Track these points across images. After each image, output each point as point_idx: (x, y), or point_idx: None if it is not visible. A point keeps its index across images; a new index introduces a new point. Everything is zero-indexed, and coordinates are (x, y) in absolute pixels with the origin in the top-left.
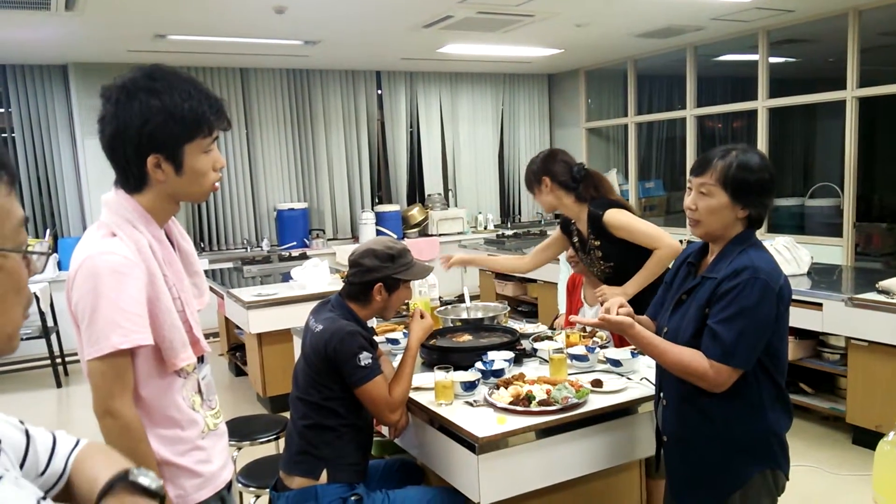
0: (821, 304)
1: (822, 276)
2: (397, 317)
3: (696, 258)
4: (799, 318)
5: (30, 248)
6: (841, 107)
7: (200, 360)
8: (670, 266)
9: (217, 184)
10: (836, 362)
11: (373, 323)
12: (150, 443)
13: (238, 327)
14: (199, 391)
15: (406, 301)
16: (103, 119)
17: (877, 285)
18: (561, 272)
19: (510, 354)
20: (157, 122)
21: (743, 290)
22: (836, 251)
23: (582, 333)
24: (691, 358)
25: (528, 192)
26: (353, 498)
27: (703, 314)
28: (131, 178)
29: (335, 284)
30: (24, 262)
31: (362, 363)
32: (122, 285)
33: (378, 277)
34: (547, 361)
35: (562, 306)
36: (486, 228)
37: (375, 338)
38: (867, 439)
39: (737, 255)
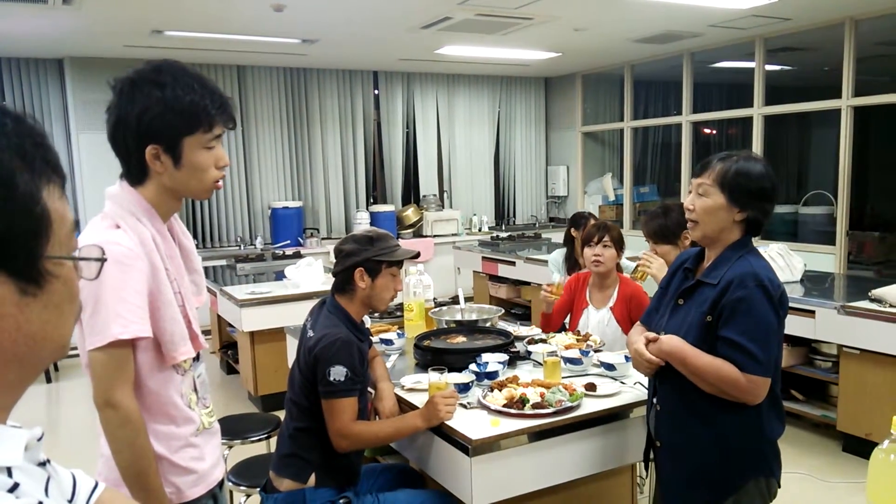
0: (813, 312)
1: (815, 283)
2: (389, 317)
3: (693, 264)
4: (791, 325)
5: (81, 254)
6: (836, 115)
7: (196, 358)
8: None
9: (220, 182)
10: (827, 370)
11: (367, 323)
12: (148, 436)
13: (230, 325)
14: (195, 389)
15: (397, 290)
16: (109, 109)
17: (869, 293)
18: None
19: (504, 357)
20: (156, 112)
21: (754, 301)
22: (828, 259)
23: (577, 337)
24: (722, 363)
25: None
26: (341, 502)
27: (705, 321)
28: (133, 169)
29: (329, 284)
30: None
31: (331, 377)
32: (125, 276)
33: (358, 261)
34: (541, 364)
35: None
36: (480, 230)
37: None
38: (858, 447)
39: (735, 261)
